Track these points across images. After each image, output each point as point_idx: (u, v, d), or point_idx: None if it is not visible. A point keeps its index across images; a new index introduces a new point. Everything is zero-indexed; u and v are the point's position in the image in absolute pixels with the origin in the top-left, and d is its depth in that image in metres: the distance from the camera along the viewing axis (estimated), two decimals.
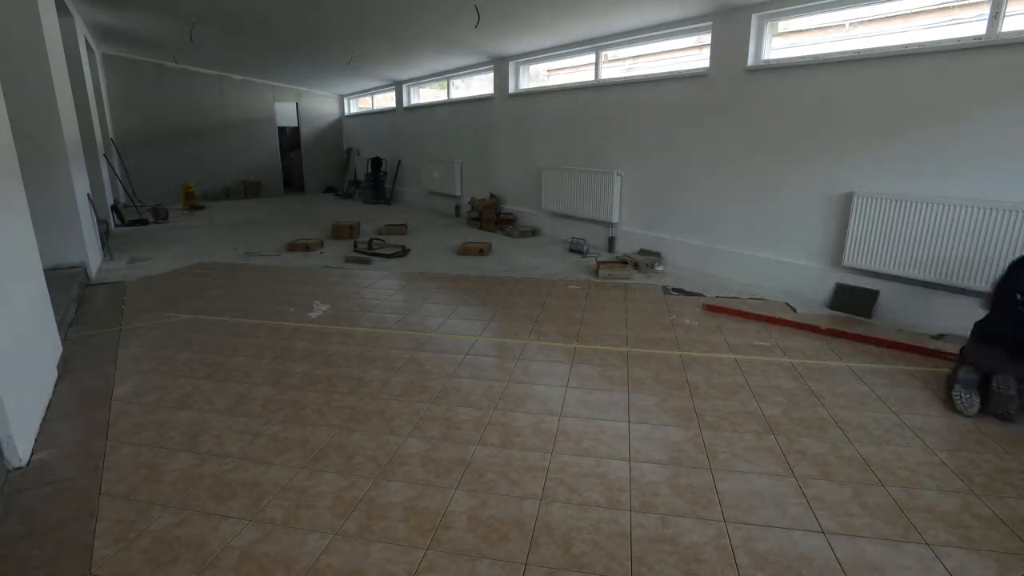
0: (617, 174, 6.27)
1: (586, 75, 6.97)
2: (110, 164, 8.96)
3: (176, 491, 2.12)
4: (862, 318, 4.12)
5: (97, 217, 6.16)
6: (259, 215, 9.85)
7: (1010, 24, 3.46)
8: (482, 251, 6.48)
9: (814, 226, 4.55)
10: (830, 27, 4.69)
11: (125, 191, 9.85)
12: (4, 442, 2.19)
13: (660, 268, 5.61)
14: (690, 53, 5.80)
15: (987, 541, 1.86)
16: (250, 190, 12.55)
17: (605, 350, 3.56)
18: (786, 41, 4.92)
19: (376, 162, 11.70)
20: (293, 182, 13.95)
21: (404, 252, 6.54)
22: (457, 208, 9.58)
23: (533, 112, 7.64)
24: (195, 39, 7.87)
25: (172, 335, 3.83)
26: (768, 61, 4.84)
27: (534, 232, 7.65)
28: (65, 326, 3.78)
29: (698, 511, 2.01)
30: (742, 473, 2.24)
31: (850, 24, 4.54)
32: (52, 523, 1.93)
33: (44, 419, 2.64)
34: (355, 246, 6.78)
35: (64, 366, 3.25)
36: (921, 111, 3.83)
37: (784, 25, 4.89)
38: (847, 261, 4.26)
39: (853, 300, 4.21)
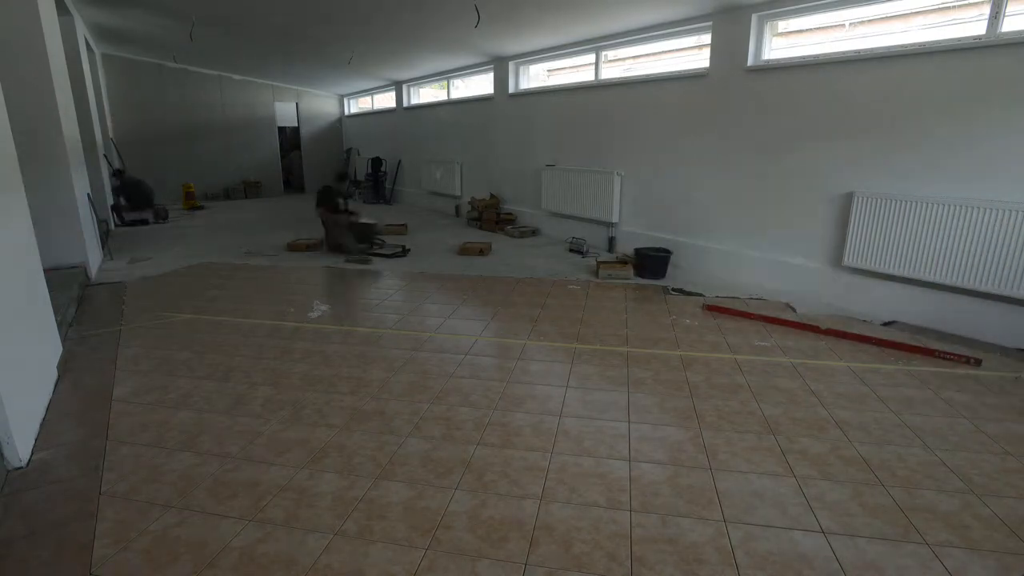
0: (617, 174, 6.27)
1: (586, 75, 6.97)
2: (110, 164, 8.96)
3: (176, 491, 2.12)
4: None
5: (97, 217, 6.16)
6: (259, 215, 9.85)
7: (1010, 24, 3.46)
8: (482, 251, 6.48)
9: (814, 226, 4.55)
10: (830, 27, 4.69)
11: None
12: (4, 442, 2.19)
13: None
14: (690, 53, 5.80)
15: (987, 541, 1.86)
16: (250, 190, 12.54)
17: (605, 350, 3.56)
18: (786, 41, 4.92)
19: (376, 162, 11.70)
20: (293, 182, 13.95)
21: (404, 252, 6.54)
22: (457, 208, 9.58)
23: (533, 112, 7.64)
24: (195, 39, 7.87)
25: (172, 335, 3.82)
26: (768, 61, 4.84)
27: (534, 232, 7.65)
28: (65, 326, 3.78)
29: (698, 511, 2.01)
30: (742, 473, 2.24)
31: (850, 24, 4.54)
32: (52, 523, 1.93)
33: (44, 419, 2.64)
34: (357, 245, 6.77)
35: (64, 366, 3.25)
36: (921, 111, 3.83)
37: (784, 25, 4.89)
38: (847, 261, 4.26)
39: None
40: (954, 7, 3.92)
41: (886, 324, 3.98)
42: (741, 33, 4.88)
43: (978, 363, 3.29)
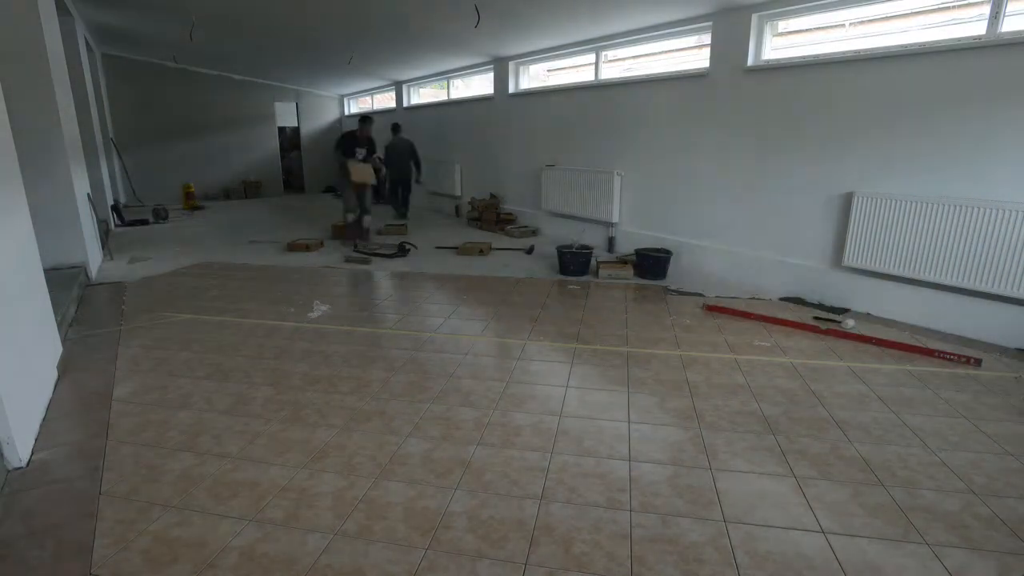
0: (617, 174, 6.27)
1: (586, 75, 6.97)
2: (114, 162, 8.94)
3: (176, 491, 2.12)
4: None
5: (97, 217, 6.16)
6: (259, 215, 9.85)
7: (1010, 24, 3.46)
8: (482, 251, 6.48)
9: (814, 226, 4.55)
10: (830, 27, 4.69)
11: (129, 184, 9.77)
12: (4, 442, 2.19)
13: None
14: (690, 53, 5.80)
15: (987, 541, 1.86)
16: (250, 190, 12.55)
17: (605, 350, 3.56)
18: (786, 41, 4.91)
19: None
20: (293, 182, 13.95)
21: (404, 252, 6.54)
22: (457, 208, 9.57)
23: (533, 112, 7.64)
24: (195, 39, 7.87)
25: (172, 335, 3.82)
26: (768, 61, 4.84)
27: (534, 232, 7.65)
28: (65, 326, 3.78)
29: (698, 511, 2.01)
30: (742, 473, 2.24)
31: (850, 24, 4.53)
32: (52, 523, 1.93)
33: (44, 419, 2.64)
34: (355, 246, 6.78)
35: (64, 366, 3.25)
36: (921, 111, 3.83)
37: (784, 25, 4.88)
38: (847, 261, 4.26)
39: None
40: (954, 7, 3.91)
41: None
42: (741, 33, 4.88)
43: (978, 363, 3.29)
